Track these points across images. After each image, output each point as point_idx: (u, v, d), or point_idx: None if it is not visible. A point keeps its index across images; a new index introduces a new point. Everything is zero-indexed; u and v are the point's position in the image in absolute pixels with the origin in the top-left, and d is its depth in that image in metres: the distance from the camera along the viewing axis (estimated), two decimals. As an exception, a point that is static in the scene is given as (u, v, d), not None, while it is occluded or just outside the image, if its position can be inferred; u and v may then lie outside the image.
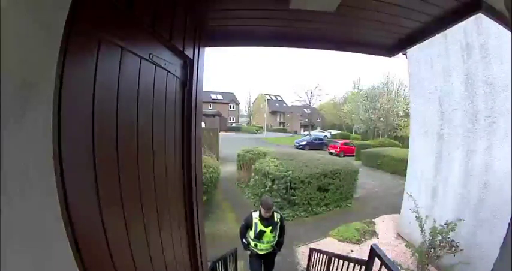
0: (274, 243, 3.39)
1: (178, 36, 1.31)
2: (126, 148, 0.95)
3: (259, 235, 3.27)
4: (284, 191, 6.66)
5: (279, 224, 3.33)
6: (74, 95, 0.67)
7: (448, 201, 4.80)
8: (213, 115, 29.49)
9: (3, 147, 0.47)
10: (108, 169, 0.85)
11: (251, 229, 3.33)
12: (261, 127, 40.72)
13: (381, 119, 29.23)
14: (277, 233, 3.36)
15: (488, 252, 3.58)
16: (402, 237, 5.84)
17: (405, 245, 5.29)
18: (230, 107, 45.10)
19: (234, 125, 40.93)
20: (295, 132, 43.36)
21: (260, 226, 3.25)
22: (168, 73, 1.27)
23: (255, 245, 3.36)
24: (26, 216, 0.53)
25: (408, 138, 6.91)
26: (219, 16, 1.61)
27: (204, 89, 1.82)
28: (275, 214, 3.32)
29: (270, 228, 3.25)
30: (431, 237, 4.27)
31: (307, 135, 32.23)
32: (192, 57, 1.51)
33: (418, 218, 4.51)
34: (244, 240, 3.45)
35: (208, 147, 10.22)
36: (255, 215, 3.30)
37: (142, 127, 1.06)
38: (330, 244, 5.55)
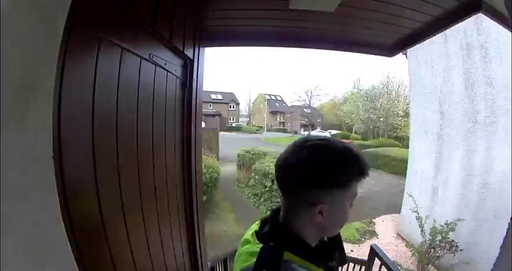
0: None
1: (178, 36, 1.31)
2: (126, 148, 0.95)
3: None
4: (284, 191, 6.66)
5: None
6: (74, 95, 0.67)
7: (448, 201, 4.79)
8: (213, 115, 29.46)
9: (3, 147, 0.47)
10: (108, 169, 0.85)
11: None
12: (261, 127, 40.63)
13: (381, 119, 29.14)
14: None
15: (488, 252, 3.58)
16: (402, 237, 5.83)
17: (405, 245, 5.29)
18: (230, 107, 45.01)
19: (234, 125, 40.80)
20: (295, 132, 43.25)
21: None
22: (168, 73, 1.27)
23: None
24: (26, 216, 0.53)
25: (408, 138, 6.91)
26: (219, 16, 1.61)
27: (204, 89, 1.82)
28: None
29: None
30: (431, 237, 4.26)
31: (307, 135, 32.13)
32: (192, 57, 1.51)
33: (418, 218, 4.50)
34: None
35: (208, 147, 10.21)
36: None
37: (142, 127, 1.06)
38: (329, 244, 5.55)
